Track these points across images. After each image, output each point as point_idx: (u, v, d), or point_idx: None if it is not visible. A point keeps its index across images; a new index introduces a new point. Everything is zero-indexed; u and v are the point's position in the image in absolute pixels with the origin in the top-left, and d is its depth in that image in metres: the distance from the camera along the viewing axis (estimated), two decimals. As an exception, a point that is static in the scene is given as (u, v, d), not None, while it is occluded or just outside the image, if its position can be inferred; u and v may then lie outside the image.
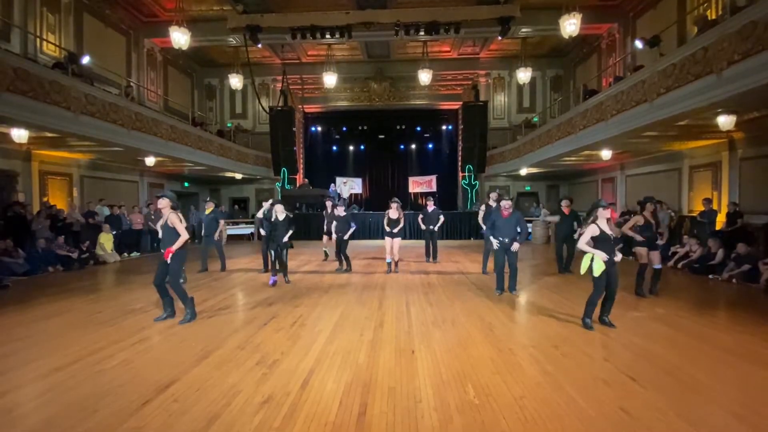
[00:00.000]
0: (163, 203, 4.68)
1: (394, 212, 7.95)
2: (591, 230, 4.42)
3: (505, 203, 6.03)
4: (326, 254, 9.96)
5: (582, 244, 4.45)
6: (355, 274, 8.15)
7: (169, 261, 4.61)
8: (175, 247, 4.61)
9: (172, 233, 4.66)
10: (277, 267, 6.95)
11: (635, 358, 3.63)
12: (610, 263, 4.36)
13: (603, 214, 4.46)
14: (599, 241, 4.40)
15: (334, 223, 8.49)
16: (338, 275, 7.97)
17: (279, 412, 2.70)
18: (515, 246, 5.89)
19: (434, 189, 19.24)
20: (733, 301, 6.09)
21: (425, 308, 5.42)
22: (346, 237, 8.34)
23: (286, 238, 6.84)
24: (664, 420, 2.59)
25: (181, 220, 4.73)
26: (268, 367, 3.43)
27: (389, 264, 8.28)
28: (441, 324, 4.70)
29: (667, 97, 7.43)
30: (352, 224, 8.37)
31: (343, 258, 8.41)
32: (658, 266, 6.00)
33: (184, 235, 4.69)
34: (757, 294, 6.41)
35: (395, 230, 7.95)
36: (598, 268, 4.35)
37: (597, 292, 4.47)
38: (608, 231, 4.44)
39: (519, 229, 5.97)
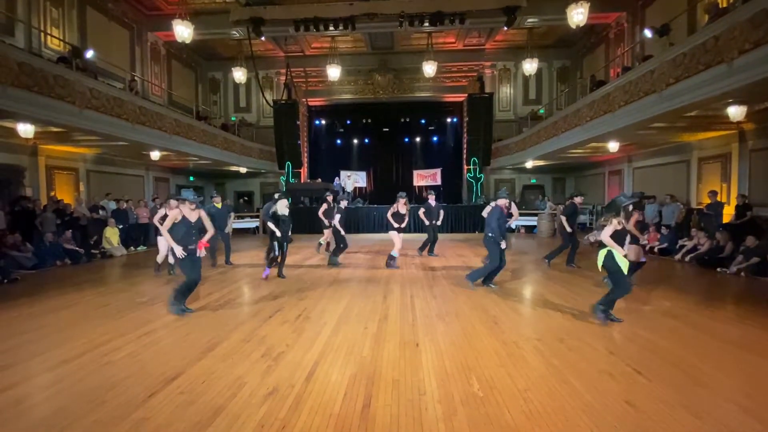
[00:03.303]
0: (190, 206, 4.86)
1: (402, 207, 7.82)
2: (614, 225, 4.26)
3: (504, 202, 6.00)
4: (319, 245, 9.99)
5: (605, 236, 4.29)
6: (359, 267, 8.15)
7: (203, 253, 4.92)
8: (206, 238, 4.90)
9: (203, 229, 4.93)
10: (278, 261, 6.98)
11: (641, 351, 3.61)
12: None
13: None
14: (618, 236, 4.26)
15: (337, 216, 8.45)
16: (341, 269, 7.97)
17: (284, 403, 2.72)
18: (503, 244, 5.92)
19: (439, 182, 19.16)
20: (742, 295, 6.03)
21: (429, 301, 5.42)
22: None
23: (289, 233, 6.91)
24: (670, 413, 2.58)
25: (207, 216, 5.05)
26: (273, 360, 3.45)
27: (395, 258, 8.05)
28: (445, 317, 4.69)
29: (676, 87, 7.31)
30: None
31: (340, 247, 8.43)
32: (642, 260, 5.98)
33: (211, 230, 5.01)
34: (765, 287, 6.34)
35: (403, 225, 7.84)
36: (624, 264, 4.21)
37: (622, 290, 4.27)
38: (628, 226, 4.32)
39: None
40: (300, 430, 2.43)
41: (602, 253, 4.35)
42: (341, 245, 8.35)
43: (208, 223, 4.96)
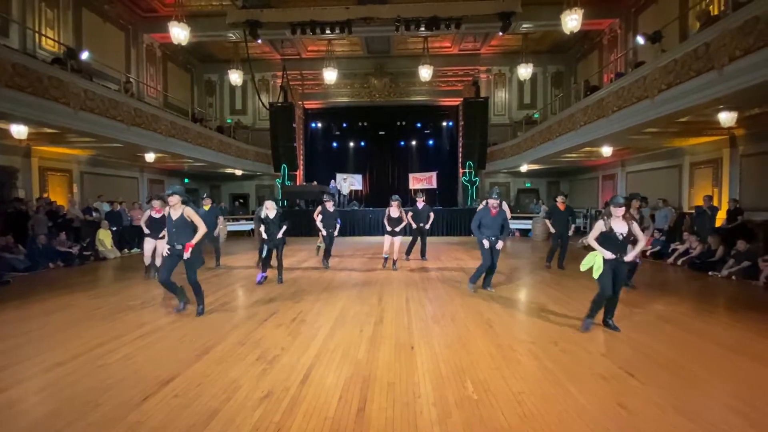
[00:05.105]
0: (175, 199, 4.64)
1: (395, 210, 7.85)
2: (598, 226, 4.28)
3: (493, 202, 5.88)
4: (318, 249, 9.91)
5: (590, 238, 4.32)
6: (355, 271, 8.16)
7: (188, 255, 4.62)
8: (194, 240, 4.63)
9: (188, 227, 4.64)
10: (271, 265, 6.91)
11: (634, 354, 3.65)
12: (614, 263, 4.18)
13: (615, 212, 4.23)
14: (605, 239, 4.24)
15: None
16: (338, 272, 7.98)
17: (279, 406, 2.72)
18: (500, 244, 5.86)
19: (434, 185, 19.21)
20: (733, 298, 6.10)
21: (425, 304, 5.44)
22: (335, 233, 8.35)
23: (279, 235, 6.63)
24: (661, 415, 2.61)
25: (195, 213, 4.71)
26: (269, 363, 3.45)
27: (386, 259, 8.25)
28: (440, 320, 4.71)
29: (668, 93, 7.40)
30: (338, 221, 8.34)
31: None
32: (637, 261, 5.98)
33: (203, 228, 4.68)
34: (756, 291, 6.43)
35: (397, 229, 7.86)
36: (597, 268, 4.23)
37: (601, 292, 4.27)
38: (618, 229, 4.21)
39: (502, 227, 5.90)
40: (295, 433, 2.43)
41: (590, 256, 4.31)
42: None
43: (197, 220, 4.64)
